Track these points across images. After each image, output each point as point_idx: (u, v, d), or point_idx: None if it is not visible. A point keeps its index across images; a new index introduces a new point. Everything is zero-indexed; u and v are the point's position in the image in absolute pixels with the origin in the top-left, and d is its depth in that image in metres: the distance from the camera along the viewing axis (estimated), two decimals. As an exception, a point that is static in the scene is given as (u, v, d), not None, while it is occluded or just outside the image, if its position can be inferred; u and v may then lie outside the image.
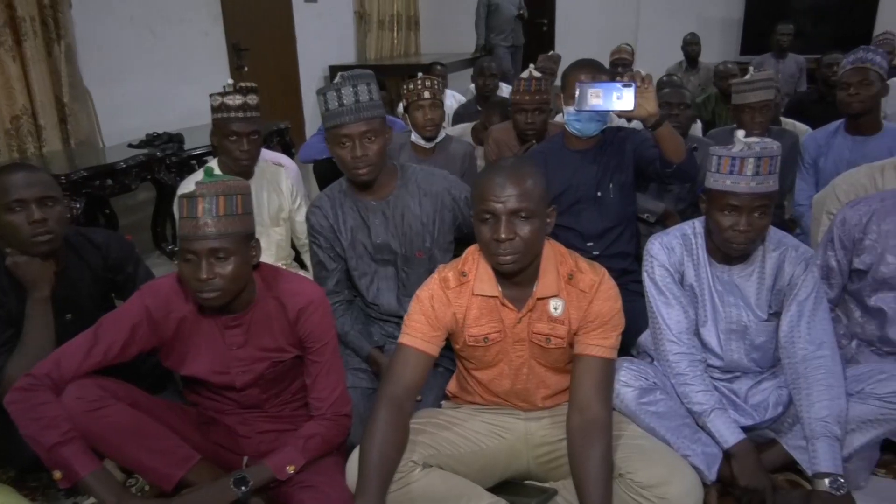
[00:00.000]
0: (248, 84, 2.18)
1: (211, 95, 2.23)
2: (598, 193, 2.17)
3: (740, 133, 1.63)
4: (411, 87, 2.67)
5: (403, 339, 1.52)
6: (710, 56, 7.25)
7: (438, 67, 4.96)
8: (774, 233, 1.72)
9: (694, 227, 1.75)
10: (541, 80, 2.60)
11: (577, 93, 1.79)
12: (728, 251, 1.66)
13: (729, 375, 1.76)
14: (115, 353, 1.50)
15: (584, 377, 1.46)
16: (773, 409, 1.70)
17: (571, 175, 2.18)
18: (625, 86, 1.77)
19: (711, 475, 1.55)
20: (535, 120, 2.65)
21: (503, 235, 1.37)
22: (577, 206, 2.20)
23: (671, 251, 1.73)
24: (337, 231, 1.93)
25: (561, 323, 1.51)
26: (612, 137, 2.16)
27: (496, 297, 1.51)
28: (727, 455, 1.57)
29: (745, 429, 1.70)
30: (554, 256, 1.53)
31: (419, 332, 1.51)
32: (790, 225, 2.91)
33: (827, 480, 1.46)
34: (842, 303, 1.94)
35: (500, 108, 3.17)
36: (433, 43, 7.83)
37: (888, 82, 3.29)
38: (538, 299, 1.50)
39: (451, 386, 1.76)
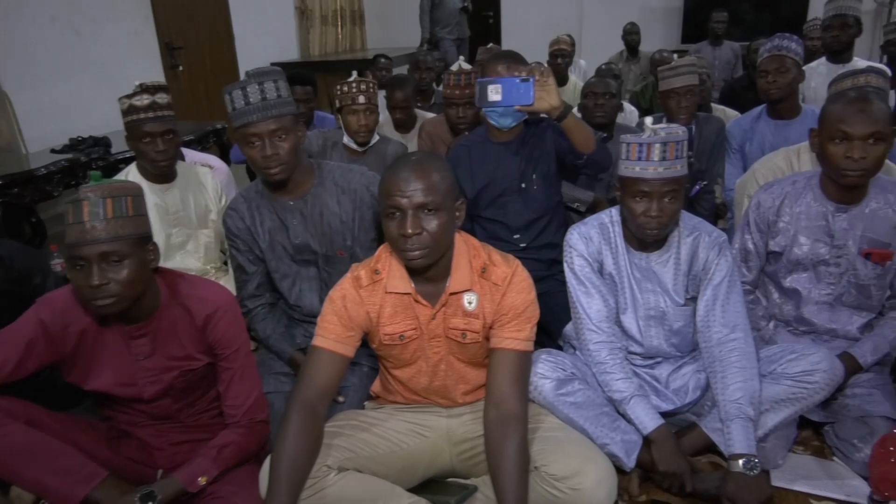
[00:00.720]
0: (157, 83, 2.09)
1: (119, 99, 2.15)
2: (523, 185, 2.16)
3: (648, 120, 1.64)
4: (344, 89, 2.58)
5: (316, 340, 1.48)
6: (653, 45, 7.34)
7: (383, 60, 4.89)
8: (689, 219, 1.74)
9: (611, 216, 1.76)
10: (470, 74, 2.58)
11: (478, 89, 1.79)
12: (643, 237, 1.67)
13: (650, 361, 1.78)
14: (8, 371, 1.42)
15: (500, 371, 1.45)
16: (692, 392, 1.72)
17: (495, 167, 2.17)
18: (523, 80, 1.77)
19: (630, 462, 1.55)
20: (466, 114, 2.64)
21: (410, 230, 1.35)
22: (503, 199, 2.18)
23: (589, 240, 1.73)
24: (254, 233, 1.88)
25: (475, 317, 1.49)
26: (533, 129, 2.15)
27: (409, 294, 1.49)
28: (647, 441, 1.58)
29: (666, 413, 1.72)
30: (467, 250, 1.51)
31: (332, 334, 1.47)
32: (721, 209, 2.96)
33: (741, 461, 1.48)
34: (761, 284, 1.97)
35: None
36: (379, 37, 7.76)
37: (810, 66, 3.39)
38: (451, 294, 1.48)
39: (375, 386, 1.73)
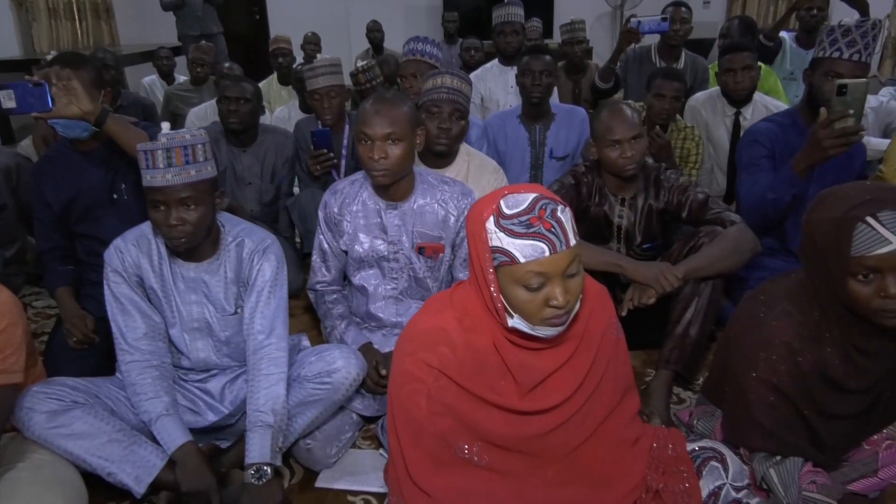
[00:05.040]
0: None
1: None
2: (114, 196, 2.02)
3: (164, 125, 1.56)
4: None
5: None
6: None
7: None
8: (235, 224, 1.70)
9: (151, 227, 1.67)
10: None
11: None
12: (174, 248, 1.59)
13: (204, 375, 1.72)
14: None
15: None
16: (244, 403, 1.69)
17: (81, 179, 2.00)
18: (35, 85, 1.63)
19: (140, 488, 1.47)
20: None
21: None
22: (94, 212, 2.03)
23: (125, 254, 1.63)
24: None
25: None
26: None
27: None
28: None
29: (222, 426, 1.68)
30: None
31: None
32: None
33: (250, 471, 1.46)
34: (346, 285, 2.01)
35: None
36: (133, 33, 7.20)
37: (484, 67, 3.57)
38: None
39: None
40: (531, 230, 1.10)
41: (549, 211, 1.11)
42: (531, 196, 1.14)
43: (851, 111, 1.76)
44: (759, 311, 1.37)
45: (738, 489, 1.30)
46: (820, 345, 1.31)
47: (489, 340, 1.24)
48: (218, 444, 1.73)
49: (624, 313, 1.82)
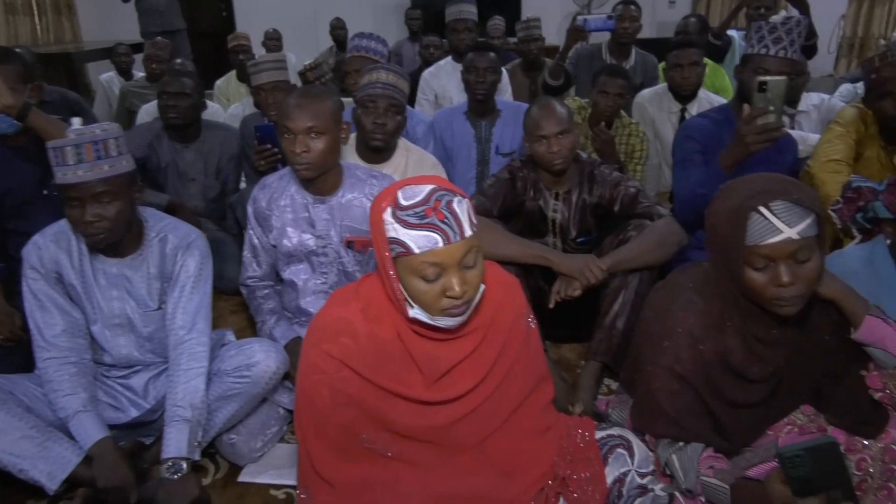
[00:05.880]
0: None
1: None
2: (44, 191, 2.00)
3: (75, 121, 1.55)
4: None
5: None
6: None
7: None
8: (159, 220, 1.69)
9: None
10: None
11: None
12: (92, 245, 1.58)
13: (126, 371, 1.71)
14: None
15: None
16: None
17: (11, 174, 1.99)
18: None
19: (53, 485, 1.46)
20: None
21: None
22: (25, 208, 2.01)
23: (43, 251, 1.61)
24: None
25: None
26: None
27: None
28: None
29: (143, 421, 1.68)
30: None
31: None
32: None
33: (165, 466, 1.45)
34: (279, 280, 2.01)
35: None
36: (96, 29, 7.08)
37: (438, 64, 3.57)
38: None
39: None
40: (424, 221, 1.11)
41: (444, 202, 1.12)
42: (428, 188, 1.15)
43: (772, 108, 1.80)
44: (664, 301, 1.40)
45: (642, 475, 1.33)
46: (722, 333, 1.34)
47: (393, 331, 1.25)
48: (142, 440, 1.72)
49: (551, 305, 1.85)
